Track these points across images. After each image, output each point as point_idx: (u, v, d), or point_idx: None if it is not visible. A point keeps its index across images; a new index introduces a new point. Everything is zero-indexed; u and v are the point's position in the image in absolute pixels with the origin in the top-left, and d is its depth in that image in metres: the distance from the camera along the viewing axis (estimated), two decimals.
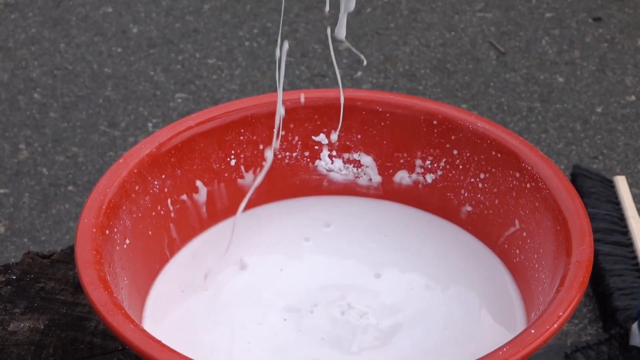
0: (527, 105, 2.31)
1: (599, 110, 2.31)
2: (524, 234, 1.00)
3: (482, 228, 1.05)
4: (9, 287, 1.08)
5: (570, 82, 2.38)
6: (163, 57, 2.46)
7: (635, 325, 1.65)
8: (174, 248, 1.04)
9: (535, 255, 0.98)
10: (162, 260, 1.02)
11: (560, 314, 0.84)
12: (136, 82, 2.39)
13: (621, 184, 2.02)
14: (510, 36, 2.55)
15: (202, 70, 2.42)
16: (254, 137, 1.06)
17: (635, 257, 1.87)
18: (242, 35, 2.53)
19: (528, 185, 0.99)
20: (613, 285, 1.81)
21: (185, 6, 2.62)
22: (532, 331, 0.82)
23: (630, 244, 1.90)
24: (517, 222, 1.01)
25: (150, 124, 2.27)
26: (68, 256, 1.11)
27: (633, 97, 2.35)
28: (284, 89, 0.96)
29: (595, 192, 2.00)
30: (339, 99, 1.04)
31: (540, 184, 0.98)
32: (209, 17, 2.59)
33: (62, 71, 2.42)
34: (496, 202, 1.03)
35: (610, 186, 2.03)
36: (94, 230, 0.91)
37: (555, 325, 0.83)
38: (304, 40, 2.50)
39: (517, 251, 1.01)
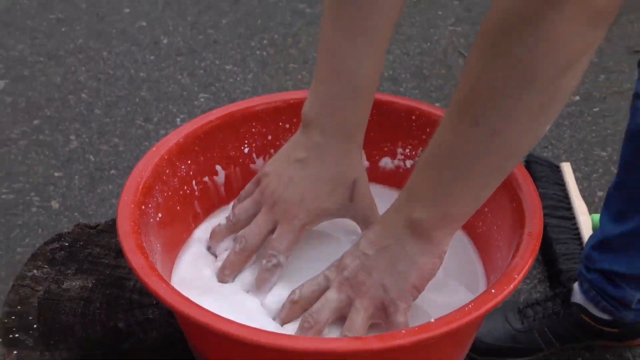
0: None
1: None
2: (486, 209, 1.00)
3: None
4: (62, 252, 1.08)
5: None
6: (189, 63, 2.45)
7: (576, 285, 1.65)
8: (197, 221, 1.04)
9: (495, 227, 0.98)
10: (188, 231, 1.02)
11: (516, 276, 0.85)
12: (166, 84, 2.38)
13: (566, 169, 2.03)
14: None
15: (220, 75, 2.42)
16: (264, 130, 1.07)
17: (577, 229, 1.87)
18: (254, 45, 2.53)
19: None
20: (558, 252, 1.81)
21: (207, 21, 2.61)
22: (493, 291, 0.83)
23: (573, 218, 1.90)
24: None
25: (178, 119, 2.27)
26: (111, 227, 1.11)
27: (577, 98, 2.34)
28: (287, 88, 0.96)
29: (545, 175, 2.01)
30: None
31: None
32: (226, 31, 2.58)
33: (105, 75, 2.42)
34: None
35: (558, 171, 2.03)
36: (132, 206, 0.91)
37: (512, 285, 0.84)
38: (305, 50, 2.50)
39: (480, 223, 1.01)
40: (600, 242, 1.56)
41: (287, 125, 1.08)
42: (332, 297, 0.87)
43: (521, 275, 0.84)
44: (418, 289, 0.87)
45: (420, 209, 0.84)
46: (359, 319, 0.85)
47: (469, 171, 0.81)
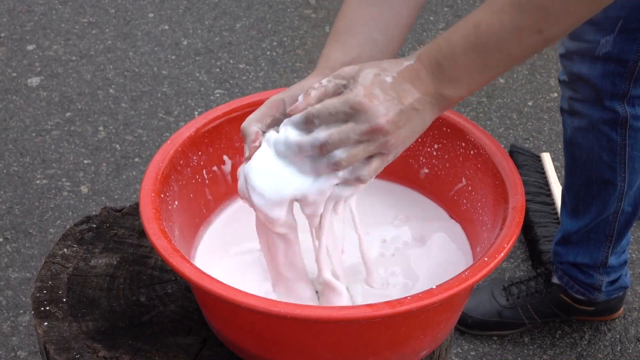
0: (476, 99, 2.29)
1: (530, 103, 2.29)
2: (469, 188, 1.00)
3: (437, 185, 1.04)
4: (90, 233, 1.07)
5: (509, 82, 2.36)
6: (206, 62, 2.44)
7: (554, 268, 1.64)
8: (209, 207, 1.03)
9: (479, 204, 0.98)
10: (200, 216, 1.02)
11: (505, 245, 0.84)
12: (186, 81, 2.37)
13: (546, 159, 2.01)
14: None
15: (234, 73, 2.41)
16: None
17: (556, 213, 1.86)
18: (265, 46, 2.51)
19: (472, 152, 0.99)
20: (539, 234, 1.80)
21: (223, 25, 2.60)
22: (485, 259, 0.83)
23: (552, 203, 1.89)
24: (463, 179, 1.00)
25: (196, 113, 2.25)
26: (134, 210, 1.10)
27: (555, 94, 2.33)
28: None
29: (527, 164, 1.99)
30: None
31: (481, 151, 0.97)
32: (240, 33, 2.56)
33: (131, 73, 2.40)
34: (447, 165, 1.02)
35: (538, 160, 2.02)
36: (153, 194, 0.90)
37: (502, 254, 0.84)
38: (311, 51, 2.48)
39: (464, 201, 1.01)
40: (562, 238, 1.56)
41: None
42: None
43: (509, 244, 0.84)
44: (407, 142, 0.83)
45: (452, 88, 0.82)
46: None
47: (510, 63, 0.82)
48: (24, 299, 1.75)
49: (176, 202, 0.95)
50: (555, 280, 1.63)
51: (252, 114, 0.88)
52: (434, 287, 0.80)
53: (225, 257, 0.98)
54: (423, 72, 0.82)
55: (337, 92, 0.82)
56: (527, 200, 1.86)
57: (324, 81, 0.83)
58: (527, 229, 1.84)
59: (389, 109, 0.80)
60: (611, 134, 1.38)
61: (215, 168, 1.02)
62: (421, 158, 1.04)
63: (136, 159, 2.10)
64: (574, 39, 1.34)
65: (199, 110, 2.26)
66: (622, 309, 1.69)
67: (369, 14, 0.91)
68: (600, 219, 1.49)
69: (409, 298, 0.78)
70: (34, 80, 2.36)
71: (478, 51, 0.80)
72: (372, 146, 0.81)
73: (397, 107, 0.80)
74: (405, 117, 0.81)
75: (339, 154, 0.81)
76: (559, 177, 1.97)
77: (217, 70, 2.41)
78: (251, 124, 0.87)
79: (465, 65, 0.81)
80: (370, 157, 0.82)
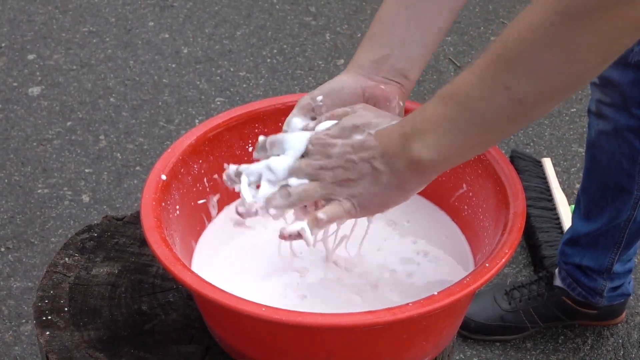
0: None
1: None
2: (470, 193, 1.00)
3: (438, 191, 1.04)
4: (91, 242, 1.07)
5: None
6: (206, 70, 2.44)
7: (557, 270, 1.64)
8: (209, 215, 1.03)
9: (480, 209, 0.97)
10: (202, 224, 1.01)
11: (506, 251, 0.84)
12: (186, 89, 2.37)
13: (547, 164, 2.02)
14: (465, 54, 2.53)
15: (235, 80, 2.41)
16: (265, 130, 1.05)
17: (558, 218, 1.86)
18: (265, 54, 2.51)
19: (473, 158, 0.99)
20: (541, 239, 1.80)
21: (223, 33, 2.60)
22: (487, 265, 0.82)
23: (554, 209, 1.89)
24: (464, 185, 1.00)
25: (197, 121, 2.26)
26: (136, 219, 1.10)
27: None
28: (295, 93, 0.95)
29: (528, 169, 1.99)
30: None
31: (481, 157, 0.97)
32: (240, 41, 2.57)
33: (131, 81, 2.41)
34: (448, 171, 1.02)
35: (539, 165, 2.02)
36: (154, 203, 0.90)
37: (504, 260, 0.83)
38: (311, 58, 2.48)
39: (465, 207, 1.01)
40: (571, 238, 1.57)
41: None
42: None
43: (511, 250, 0.84)
44: (380, 209, 0.84)
45: (419, 142, 0.78)
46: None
47: (482, 129, 0.76)
48: (26, 308, 1.75)
49: (177, 211, 0.95)
50: (557, 282, 1.63)
51: (289, 118, 0.91)
52: (436, 293, 0.80)
53: (224, 261, 0.98)
54: (396, 130, 0.81)
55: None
56: (528, 206, 1.86)
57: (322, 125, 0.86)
58: (529, 234, 1.84)
59: (340, 157, 0.82)
60: (634, 142, 1.39)
61: (216, 176, 1.02)
62: None
63: (137, 168, 2.10)
64: None
65: (200, 118, 2.27)
66: (624, 313, 1.69)
67: (405, 16, 0.92)
68: (612, 225, 1.49)
69: (410, 304, 0.78)
70: (35, 90, 2.36)
71: (446, 104, 0.77)
72: (320, 188, 0.83)
73: (348, 157, 0.82)
74: (358, 169, 0.81)
75: (293, 182, 0.85)
76: (560, 183, 1.97)
77: (218, 78, 2.42)
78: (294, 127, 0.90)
79: (433, 117, 0.78)
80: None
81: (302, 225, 0.83)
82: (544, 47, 0.69)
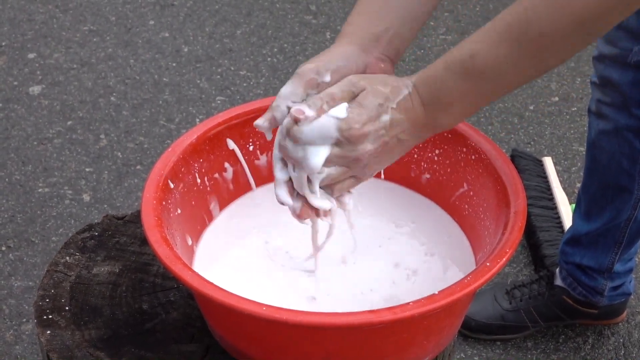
0: None
1: (531, 108, 2.29)
2: (471, 193, 1.00)
3: (438, 190, 1.04)
4: (92, 241, 1.07)
5: None
6: (207, 69, 2.44)
7: (557, 270, 1.64)
8: (210, 214, 1.03)
9: (481, 209, 0.97)
10: (202, 224, 1.01)
11: (507, 250, 0.84)
12: (187, 88, 2.37)
13: (548, 163, 2.01)
14: None
15: (235, 79, 2.41)
16: None
17: (559, 217, 1.86)
18: (265, 53, 2.51)
19: (473, 157, 0.99)
20: (542, 238, 1.80)
21: (223, 32, 2.60)
22: (487, 264, 0.83)
23: (554, 208, 1.89)
24: (465, 184, 1.00)
25: (197, 120, 2.26)
26: (136, 218, 1.10)
27: (556, 98, 2.33)
28: None
29: (529, 168, 1.99)
30: None
31: (482, 156, 0.97)
32: (240, 40, 2.57)
33: (132, 80, 2.41)
34: (448, 170, 1.02)
35: (540, 164, 2.02)
36: (154, 202, 0.90)
37: (504, 259, 0.84)
38: (311, 56, 2.47)
39: (466, 206, 1.01)
40: (572, 238, 1.57)
41: None
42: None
43: (512, 250, 0.84)
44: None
45: (445, 117, 0.83)
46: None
47: (505, 91, 0.82)
48: (26, 307, 1.75)
49: (178, 210, 0.95)
50: (558, 281, 1.63)
51: (284, 89, 0.87)
52: (437, 292, 0.80)
53: (226, 261, 0.98)
54: (417, 102, 0.83)
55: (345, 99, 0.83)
56: (529, 205, 1.86)
57: (336, 90, 0.83)
58: (530, 233, 1.84)
59: (375, 142, 0.82)
60: (634, 142, 1.39)
61: (216, 175, 1.02)
62: (422, 163, 1.05)
63: (138, 167, 2.10)
64: (608, 43, 1.35)
65: (200, 117, 2.27)
66: (625, 313, 1.69)
67: None
68: (612, 225, 1.49)
69: (411, 304, 0.78)
70: (36, 89, 2.36)
71: (473, 81, 0.80)
72: (350, 172, 0.84)
73: (382, 140, 0.82)
74: (389, 147, 0.83)
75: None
76: (560, 182, 1.97)
77: (218, 77, 2.42)
78: (280, 105, 0.87)
79: (460, 94, 0.81)
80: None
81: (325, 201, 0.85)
82: None
